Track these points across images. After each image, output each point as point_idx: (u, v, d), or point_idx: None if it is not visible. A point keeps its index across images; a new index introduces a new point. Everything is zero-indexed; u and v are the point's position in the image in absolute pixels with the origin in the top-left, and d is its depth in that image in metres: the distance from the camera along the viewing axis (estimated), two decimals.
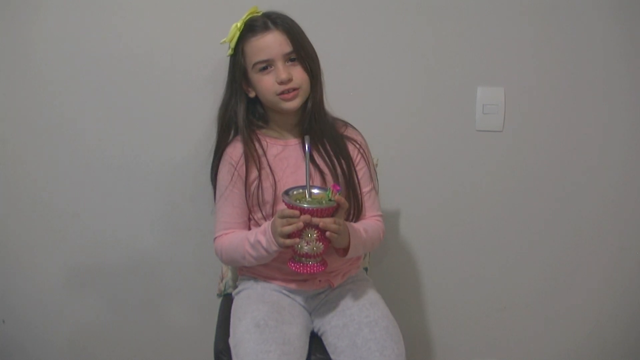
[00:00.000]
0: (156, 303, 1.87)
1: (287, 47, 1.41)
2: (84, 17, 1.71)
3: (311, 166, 1.44)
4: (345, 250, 1.39)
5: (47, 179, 1.78)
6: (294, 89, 1.42)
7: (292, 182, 1.43)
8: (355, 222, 1.49)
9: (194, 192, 1.80)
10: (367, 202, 1.52)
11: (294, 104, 1.43)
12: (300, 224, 1.27)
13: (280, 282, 1.48)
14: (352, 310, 1.41)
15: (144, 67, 1.75)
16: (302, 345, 1.35)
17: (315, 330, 1.46)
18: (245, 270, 1.54)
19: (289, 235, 1.30)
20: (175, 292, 1.87)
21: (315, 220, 1.27)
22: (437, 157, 1.88)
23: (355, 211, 1.50)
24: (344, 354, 1.35)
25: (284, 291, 1.48)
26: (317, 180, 1.45)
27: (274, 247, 1.34)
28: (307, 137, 1.37)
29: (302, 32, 1.45)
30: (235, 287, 1.57)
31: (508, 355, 2.01)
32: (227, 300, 1.61)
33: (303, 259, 1.32)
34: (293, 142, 1.50)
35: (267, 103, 1.47)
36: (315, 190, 1.35)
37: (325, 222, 1.27)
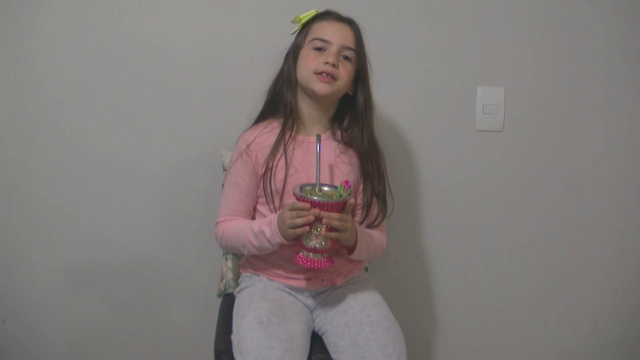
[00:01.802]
0: (156, 303, 1.87)
1: (349, 42, 1.46)
2: (84, 17, 1.72)
3: (336, 170, 1.47)
4: (352, 249, 1.41)
5: (47, 179, 1.78)
6: (332, 77, 1.44)
7: (304, 177, 1.44)
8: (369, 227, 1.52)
9: (194, 192, 1.80)
10: (375, 210, 1.53)
11: (325, 87, 1.44)
12: (311, 217, 1.29)
13: (283, 279, 1.48)
14: (354, 310, 1.41)
15: (144, 68, 1.75)
16: (304, 344, 1.35)
17: (317, 329, 1.46)
18: (249, 267, 1.54)
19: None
20: (175, 292, 1.87)
21: (323, 213, 1.28)
22: (437, 157, 1.88)
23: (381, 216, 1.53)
24: (345, 353, 1.35)
25: (287, 289, 1.48)
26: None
27: (278, 240, 1.36)
28: (318, 135, 1.39)
29: (365, 49, 1.50)
30: (236, 285, 1.57)
31: (508, 355, 2.01)
32: (227, 300, 1.61)
33: (310, 253, 1.33)
34: (314, 139, 1.50)
35: (302, 80, 1.48)
36: (325, 188, 1.36)
37: (331, 216, 1.29)
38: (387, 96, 1.83)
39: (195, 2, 1.75)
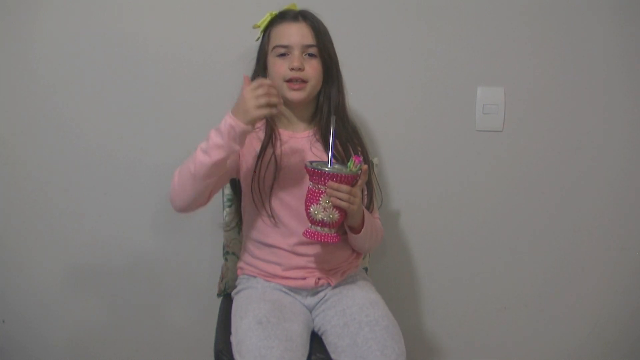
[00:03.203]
0: (156, 303, 1.87)
1: (309, 40, 1.46)
2: (84, 17, 1.72)
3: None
4: (358, 230, 1.42)
5: (47, 179, 1.78)
6: (303, 82, 1.45)
7: (293, 174, 1.44)
8: None
9: None
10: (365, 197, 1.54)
11: (298, 94, 1.46)
12: (275, 92, 1.28)
13: (279, 280, 1.48)
14: (353, 309, 1.41)
15: (144, 68, 1.75)
16: (303, 343, 1.35)
17: (316, 329, 1.46)
18: (246, 269, 1.54)
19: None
20: (175, 292, 1.87)
21: (332, 184, 1.30)
22: (437, 157, 1.88)
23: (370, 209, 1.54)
24: (344, 353, 1.35)
25: (284, 289, 1.49)
26: None
27: (232, 123, 1.29)
28: (333, 117, 1.41)
29: (329, 35, 1.50)
30: (234, 287, 1.57)
31: (508, 355, 2.01)
32: (227, 300, 1.61)
33: (318, 227, 1.34)
34: (301, 135, 1.52)
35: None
36: (336, 166, 1.37)
37: (340, 188, 1.30)
38: (387, 96, 1.84)
39: (195, 2, 1.75)
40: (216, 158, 1.32)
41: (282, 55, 1.46)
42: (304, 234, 1.36)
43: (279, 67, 1.46)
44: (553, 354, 2.01)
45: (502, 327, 1.99)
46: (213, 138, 1.32)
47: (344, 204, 1.32)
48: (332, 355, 1.38)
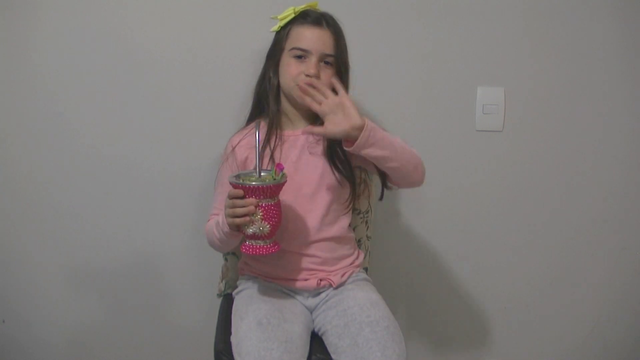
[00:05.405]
0: (156, 303, 1.87)
1: (329, 49, 1.45)
2: (84, 16, 1.71)
3: (327, 166, 1.48)
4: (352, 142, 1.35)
5: (47, 179, 1.78)
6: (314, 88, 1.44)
7: (292, 171, 1.43)
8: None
9: (195, 192, 1.80)
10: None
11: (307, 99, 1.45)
12: (252, 208, 1.27)
13: (280, 281, 1.48)
14: (354, 310, 1.41)
15: (145, 68, 1.75)
16: (303, 344, 1.36)
17: (316, 330, 1.46)
18: (247, 269, 1.54)
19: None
20: (175, 292, 1.87)
21: (232, 192, 1.28)
22: (437, 157, 1.88)
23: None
24: (345, 353, 1.35)
25: (285, 290, 1.49)
26: (329, 181, 1.48)
27: (226, 229, 1.36)
28: (257, 121, 1.39)
29: (346, 45, 1.49)
30: (235, 287, 1.57)
31: (508, 355, 2.01)
32: (227, 300, 1.61)
33: (252, 241, 1.32)
34: (300, 132, 1.52)
35: (284, 88, 1.50)
36: (263, 174, 1.34)
37: (247, 202, 1.28)
38: (387, 96, 1.84)
39: (196, 5, 1.74)
40: (233, 239, 1.41)
41: (298, 57, 1.45)
42: (242, 250, 1.34)
43: (294, 69, 1.45)
44: (553, 354, 2.02)
45: (502, 327, 1.99)
46: (222, 235, 1.40)
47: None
48: (333, 356, 1.38)
